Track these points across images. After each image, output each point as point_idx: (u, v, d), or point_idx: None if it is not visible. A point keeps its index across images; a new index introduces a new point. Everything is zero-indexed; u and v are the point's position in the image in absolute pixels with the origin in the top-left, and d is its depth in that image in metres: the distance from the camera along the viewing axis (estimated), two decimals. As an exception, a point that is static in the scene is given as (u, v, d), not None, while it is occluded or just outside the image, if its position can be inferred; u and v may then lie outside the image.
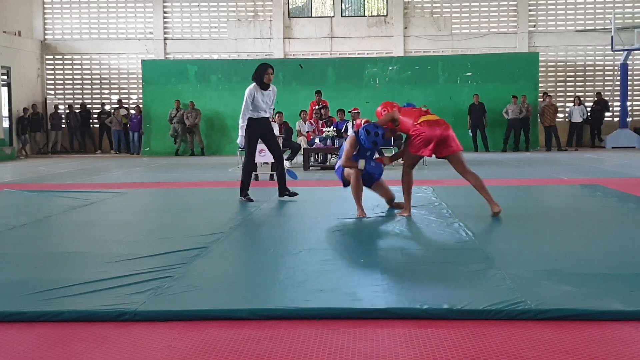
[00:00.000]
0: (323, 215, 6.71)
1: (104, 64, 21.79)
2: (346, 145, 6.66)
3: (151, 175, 12.69)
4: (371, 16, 21.27)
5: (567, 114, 20.47)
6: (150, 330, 3.24)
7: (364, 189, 6.68)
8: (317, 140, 14.12)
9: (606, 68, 20.96)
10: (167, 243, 5.22)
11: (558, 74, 21.04)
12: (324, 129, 14.49)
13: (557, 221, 6.32)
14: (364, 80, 19.73)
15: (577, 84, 21.07)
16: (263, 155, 10.00)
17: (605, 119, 20.46)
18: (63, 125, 21.25)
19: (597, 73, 21.07)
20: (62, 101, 21.79)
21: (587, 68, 21.05)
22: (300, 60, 20.29)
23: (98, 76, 21.84)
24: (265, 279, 4.11)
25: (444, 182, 9.79)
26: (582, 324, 3.23)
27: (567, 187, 9.41)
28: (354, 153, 6.61)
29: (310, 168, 13.66)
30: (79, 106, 21.57)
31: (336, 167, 6.92)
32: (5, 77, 19.92)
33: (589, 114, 20.16)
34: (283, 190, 8.08)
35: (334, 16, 21.20)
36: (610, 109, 20.45)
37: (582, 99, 20.33)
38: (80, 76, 21.91)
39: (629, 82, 20.27)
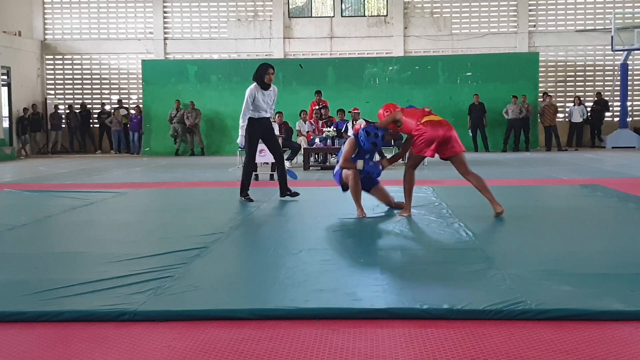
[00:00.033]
0: (323, 215, 6.71)
1: (104, 64, 21.80)
2: (345, 147, 6.67)
3: (151, 175, 12.69)
4: (371, 16, 21.28)
5: (567, 114, 20.47)
6: (150, 330, 3.24)
7: (363, 193, 6.68)
8: (317, 140, 14.12)
9: (606, 68, 20.96)
10: (167, 243, 5.22)
11: (558, 74, 21.04)
12: (324, 129, 14.49)
13: (557, 221, 6.32)
14: (364, 80, 19.73)
15: (577, 84, 21.07)
16: (263, 155, 10.00)
17: (605, 119, 20.46)
18: (63, 125, 21.25)
19: (597, 73, 21.08)
20: (62, 101, 21.80)
21: (587, 68, 21.05)
22: (300, 60, 20.29)
23: (98, 76, 21.84)
24: (265, 279, 4.11)
25: (444, 182, 9.79)
26: (582, 324, 3.23)
27: (567, 187, 9.41)
28: (353, 155, 6.61)
29: (310, 168, 13.66)
30: (79, 106, 21.57)
31: (334, 171, 6.91)
32: (5, 77, 19.92)
33: (589, 114, 20.16)
34: (284, 191, 8.08)
35: (334, 16, 21.20)
36: (610, 109, 20.45)
37: (582, 99, 20.33)
38: (80, 76, 21.92)
39: (629, 82, 20.27)
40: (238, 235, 5.81)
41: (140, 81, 20.55)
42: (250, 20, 21.30)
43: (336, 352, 2.93)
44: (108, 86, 21.91)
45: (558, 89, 21.02)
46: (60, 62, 21.88)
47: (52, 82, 21.98)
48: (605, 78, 20.98)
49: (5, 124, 19.75)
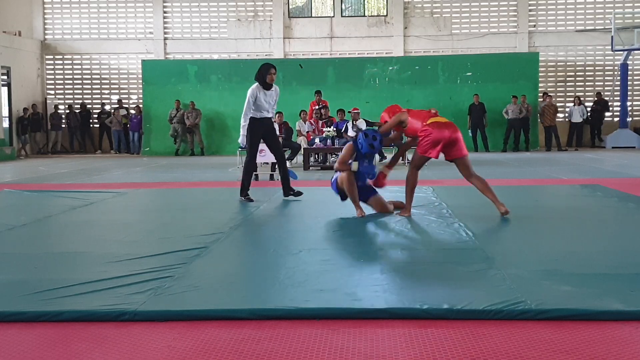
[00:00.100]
0: (323, 215, 6.71)
1: (104, 64, 21.80)
2: (343, 151, 6.71)
3: (151, 175, 12.69)
4: (371, 16, 21.28)
5: (567, 114, 20.48)
6: (150, 330, 3.24)
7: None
8: (317, 140, 14.13)
9: (606, 68, 20.96)
10: (167, 243, 5.22)
11: (558, 74, 21.04)
12: (324, 129, 14.49)
13: (557, 221, 6.32)
14: (364, 80, 19.73)
15: (577, 84, 21.07)
16: (263, 155, 9.99)
17: (605, 119, 20.46)
18: (63, 125, 21.26)
19: (597, 73, 21.08)
20: (62, 101, 21.80)
21: (587, 68, 21.05)
22: (300, 60, 20.30)
23: (98, 76, 21.84)
24: (265, 279, 4.11)
25: (444, 182, 9.78)
26: (582, 324, 3.23)
27: (567, 187, 9.41)
28: (350, 160, 6.63)
29: (310, 168, 13.66)
30: (79, 106, 21.58)
31: (332, 180, 6.91)
32: (5, 77, 19.93)
33: (589, 114, 20.16)
34: (288, 190, 8.10)
35: (334, 16, 21.20)
36: (610, 109, 20.46)
37: (582, 99, 20.33)
38: (80, 76, 21.92)
39: (629, 82, 20.27)
40: (238, 235, 5.81)
41: (140, 81, 20.55)
42: (250, 20, 21.30)
43: (336, 352, 2.93)
44: (108, 86, 21.92)
45: (558, 89, 21.02)
46: (60, 62, 21.88)
47: (52, 82, 21.98)
48: (605, 78, 20.98)
49: (5, 124, 19.75)
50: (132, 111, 20.78)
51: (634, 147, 19.27)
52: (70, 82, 21.99)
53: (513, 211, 6.31)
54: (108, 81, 21.87)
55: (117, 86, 21.86)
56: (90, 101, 21.87)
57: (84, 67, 21.84)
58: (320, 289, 3.81)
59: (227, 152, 18.91)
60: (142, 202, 8.67)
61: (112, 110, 21.19)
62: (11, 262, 4.74)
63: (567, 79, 21.09)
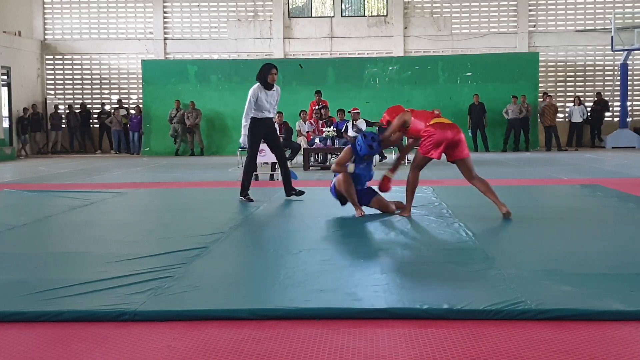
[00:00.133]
0: (323, 215, 6.71)
1: (104, 64, 21.80)
2: (342, 154, 6.73)
3: (151, 175, 12.70)
4: (371, 16, 21.28)
5: (567, 114, 20.48)
6: (150, 330, 3.24)
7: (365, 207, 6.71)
8: (317, 140, 14.13)
9: (606, 68, 20.96)
10: (167, 243, 5.22)
11: (558, 74, 21.04)
12: (324, 129, 14.49)
13: (557, 221, 6.32)
14: (364, 80, 19.73)
15: (577, 84, 21.08)
16: (263, 155, 10.00)
17: (605, 119, 20.46)
18: (63, 125, 21.26)
19: (597, 73, 21.08)
20: (62, 101, 21.80)
21: (587, 68, 21.06)
22: (300, 60, 20.30)
23: (98, 76, 21.84)
24: (265, 279, 4.11)
25: (444, 182, 9.79)
26: (582, 324, 3.23)
27: (567, 187, 9.41)
28: (348, 163, 6.64)
29: (310, 168, 13.66)
30: (79, 106, 21.58)
31: (331, 185, 6.92)
32: (5, 77, 19.93)
33: (589, 114, 20.16)
34: (289, 190, 8.11)
35: (334, 16, 21.20)
36: (610, 109, 20.46)
37: (582, 99, 20.33)
38: (80, 76, 21.92)
39: (629, 82, 20.27)
40: (238, 235, 5.81)
41: (140, 81, 20.55)
42: (250, 20, 21.30)
43: (336, 352, 2.93)
44: (108, 86, 21.92)
45: (558, 89, 21.02)
46: (60, 62, 21.88)
47: (52, 82, 21.98)
48: (605, 78, 20.98)
49: (5, 124, 19.75)
50: (132, 111, 20.78)
51: (634, 147, 19.27)
52: (70, 82, 21.99)
53: (513, 211, 6.31)
54: (108, 81, 21.88)
55: (117, 86, 21.86)
56: (90, 101, 21.87)
57: (84, 67, 21.84)
58: (320, 289, 3.81)
59: (227, 152, 18.91)
60: (142, 202, 8.67)
61: (112, 110, 21.19)
62: (11, 262, 4.74)
63: (567, 79, 21.09)
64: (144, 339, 3.11)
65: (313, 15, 21.45)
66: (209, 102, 19.80)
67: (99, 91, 21.93)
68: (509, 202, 6.55)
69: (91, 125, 21.61)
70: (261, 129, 7.96)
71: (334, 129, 14.09)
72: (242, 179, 8.10)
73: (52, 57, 21.81)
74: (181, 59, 20.96)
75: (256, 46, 21.24)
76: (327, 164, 14.20)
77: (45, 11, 21.76)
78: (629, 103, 20.42)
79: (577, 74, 21.07)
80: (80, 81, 21.93)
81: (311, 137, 14.74)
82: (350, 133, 13.99)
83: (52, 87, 21.99)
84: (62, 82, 21.99)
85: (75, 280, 4.01)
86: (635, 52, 20.00)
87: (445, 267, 4.41)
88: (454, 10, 21.09)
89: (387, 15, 21.10)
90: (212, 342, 3.07)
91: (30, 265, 4.61)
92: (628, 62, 20.00)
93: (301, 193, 8.14)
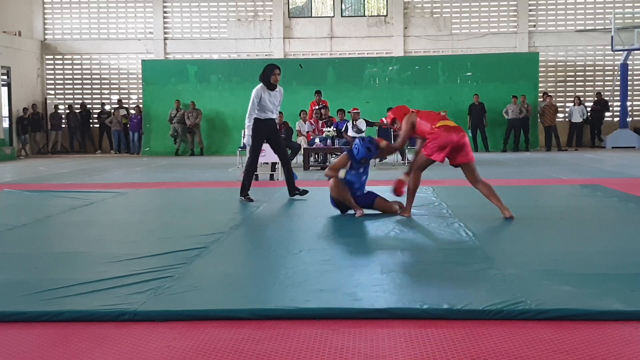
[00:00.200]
0: (323, 215, 6.71)
1: (104, 64, 21.80)
2: (337, 159, 6.76)
3: (151, 175, 12.69)
4: (371, 16, 21.28)
5: (567, 114, 20.48)
6: (150, 330, 3.24)
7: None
8: (317, 140, 14.13)
9: (606, 68, 20.96)
10: (167, 243, 5.22)
11: (558, 74, 21.04)
12: (324, 129, 14.49)
13: (557, 221, 6.32)
14: (364, 80, 19.73)
15: (577, 84, 21.08)
16: (263, 155, 9.98)
17: (605, 119, 20.46)
18: (63, 125, 21.26)
19: (597, 73, 21.08)
20: (62, 101, 21.80)
21: (587, 68, 21.06)
22: (300, 60, 20.30)
23: (98, 76, 21.84)
24: (265, 279, 4.10)
25: (444, 182, 9.79)
26: (582, 324, 3.23)
27: (567, 187, 9.41)
28: (345, 169, 6.66)
29: (310, 168, 13.66)
30: (79, 106, 21.58)
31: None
32: (5, 77, 19.93)
33: (589, 114, 20.16)
34: (293, 190, 8.13)
35: (334, 16, 21.20)
36: (610, 109, 20.46)
37: (582, 99, 20.33)
38: (80, 76, 21.92)
39: (629, 82, 20.27)
40: (238, 235, 5.81)
41: (140, 81, 20.55)
42: (250, 20, 21.30)
43: (336, 352, 2.92)
44: (108, 86, 21.92)
45: (558, 89, 21.02)
46: (60, 62, 21.89)
47: (52, 82, 21.98)
48: (605, 78, 20.98)
49: (5, 124, 19.75)
50: (132, 111, 20.78)
51: (634, 147, 19.27)
52: (70, 82, 21.99)
53: (513, 211, 6.31)
54: (108, 81, 21.88)
55: (117, 86, 21.86)
56: (90, 101, 21.87)
57: (84, 67, 21.84)
58: (320, 289, 3.81)
59: (227, 152, 18.91)
60: (142, 202, 8.67)
61: (112, 110, 21.19)
62: (11, 262, 4.74)
63: (567, 79, 21.09)
64: (144, 339, 3.11)
65: (313, 15, 21.45)
66: (209, 102, 19.80)
67: (99, 91, 21.93)
68: (509, 202, 6.55)
69: (91, 125, 21.61)
70: (264, 130, 7.97)
71: (334, 129, 14.08)
72: (242, 179, 8.10)
73: (52, 57, 21.81)
74: (181, 59, 20.96)
75: (256, 46, 21.24)
76: (327, 164, 14.20)
77: (45, 11, 21.76)
78: (629, 103, 20.42)
79: (577, 74, 21.08)
80: (80, 81, 21.93)
81: (311, 137, 14.74)
82: (350, 133, 13.99)
83: (52, 87, 21.99)
84: (62, 82, 21.99)
85: (75, 280, 4.01)
86: (635, 52, 20.00)
87: (445, 267, 4.41)
88: (454, 10, 21.09)
89: (387, 15, 21.10)
90: (212, 342, 3.07)
91: (30, 265, 4.61)
92: (628, 62, 20.00)
93: (305, 192, 8.16)
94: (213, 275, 4.21)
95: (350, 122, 14.27)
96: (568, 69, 21.04)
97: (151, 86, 20.03)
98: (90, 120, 21.58)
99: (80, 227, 6.28)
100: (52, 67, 21.91)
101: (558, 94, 20.89)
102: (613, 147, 19.39)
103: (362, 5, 21.65)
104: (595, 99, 20.37)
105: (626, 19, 20.32)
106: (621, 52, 19.74)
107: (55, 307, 3.48)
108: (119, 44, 21.63)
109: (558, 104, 20.43)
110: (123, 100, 21.47)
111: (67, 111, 21.29)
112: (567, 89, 21.08)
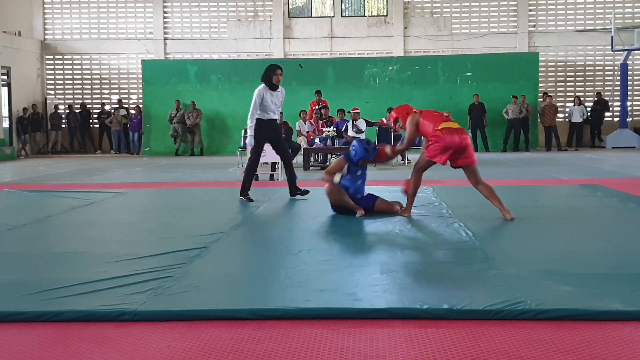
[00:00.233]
0: (323, 215, 6.71)
1: (104, 64, 21.80)
2: (334, 163, 6.80)
3: (151, 175, 12.69)
4: (371, 16, 21.28)
5: (567, 114, 20.48)
6: (150, 330, 3.24)
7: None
8: (317, 140, 14.13)
9: (606, 68, 20.96)
10: (167, 243, 5.22)
11: (558, 74, 21.04)
12: (324, 129, 14.49)
13: (557, 221, 6.31)
14: (364, 80, 19.73)
15: (577, 84, 21.07)
16: (263, 156, 9.97)
17: (605, 119, 20.46)
18: (63, 125, 21.26)
19: (597, 73, 21.08)
20: (62, 101, 21.80)
21: (587, 68, 21.06)
22: (300, 60, 20.29)
23: (98, 76, 21.84)
24: (265, 279, 4.10)
25: (444, 182, 9.79)
26: (582, 324, 3.23)
27: (567, 187, 9.41)
28: (341, 174, 6.67)
29: (310, 168, 13.66)
30: (79, 106, 21.58)
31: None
32: (5, 77, 19.93)
33: (589, 114, 20.16)
34: (294, 190, 8.13)
35: (334, 16, 21.20)
36: (610, 109, 20.46)
37: (582, 99, 20.33)
38: (80, 76, 21.92)
39: (629, 82, 20.27)
40: (238, 235, 5.81)
41: (140, 81, 20.55)
42: (250, 20, 21.30)
43: (336, 352, 2.93)
44: (108, 86, 21.92)
45: (558, 89, 21.02)
46: (60, 62, 21.88)
47: (52, 82, 21.98)
48: (605, 78, 20.98)
49: (5, 124, 19.75)
50: (132, 111, 20.78)
51: (634, 147, 19.27)
52: (70, 82, 21.99)
53: (513, 211, 6.31)
54: (108, 81, 21.87)
55: (117, 86, 21.86)
56: (90, 101, 21.87)
57: (84, 67, 21.84)
58: (320, 289, 3.81)
59: (227, 152, 18.91)
60: (142, 202, 8.67)
61: (112, 110, 21.19)
62: (11, 262, 4.74)
63: (567, 79, 21.09)
64: (144, 339, 3.11)
65: (313, 15, 21.45)
66: (209, 102, 19.80)
67: (99, 91, 21.93)
68: (509, 202, 6.55)
69: (91, 125, 21.61)
70: (266, 131, 7.97)
71: (334, 129, 14.09)
72: (243, 178, 8.10)
73: (52, 57, 21.81)
74: (181, 59, 20.96)
75: (256, 46, 21.24)
76: (327, 164, 14.20)
77: (45, 11, 21.76)
78: (629, 103, 20.42)
79: (577, 74, 21.07)
80: (80, 81, 21.93)
81: (311, 137, 14.74)
82: (350, 133, 13.99)
83: (52, 87, 21.99)
84: (62, 82, 21.99)
85: (75, 280, 4.01)
86: (635, 52, 20.00)
87: (445, 267, 4.41)
88: (454, 10, 21.09)
89: (387, 15, 21.10)
90: (212, 342, 3.07)
91: (30, 265, 4.61)
92: (628, 62, 20.00)
93: (306, 192, 8.17)
94: (213, 275, 4.21)
95: (350, 122, 14.27)
96: (568, 69, 21.04)
97: (151, 86, 20.03)
98: (90, 120, 21.58)
99: (80, 227, 6.28)
100: (52, 67, 21.91)
101: (558, 94, 20.89)
102: (613, 147, 19.39)
103: (362, 5, 21.65)
104: (595, 99, 20.37)
105: (626, 19, 20.32)
106: (621, 52, 19.74)
107: (55, 307, 3.48)
108: (119, 44, 21.63)
109: (558, 104, 20.43)
110: (123, 100, 21.47)
111: (67, 111, 21.29)
112: (567, 89, 21.08)
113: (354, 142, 6.73)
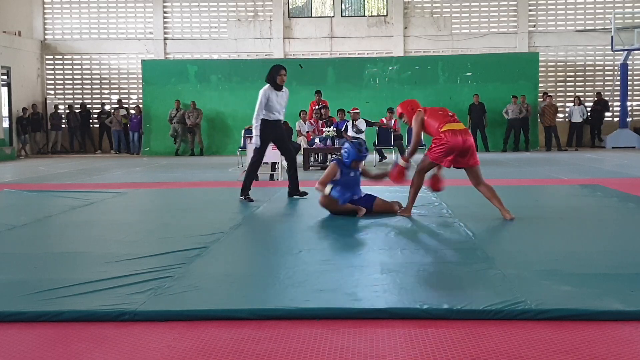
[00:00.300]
0: (323, 215, 6.71)
1: (104, 64, 21.80)
2: (326, 170, 6.81)
3: (151, 175, 12.69)
4: (371, 16, 21.28)
5: (567, 114, 20.48)
6: (150, 330, 3.24)
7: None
8: (317, 140, 14.12)
9: (606, 68, 20.96)
10: (167, 243, 5.22)
11: (558, 74, 21.04)
12: (324, 129, 14.49)
13: (557, 221, 6.31)
14: (364, 80, 19.73)
15: (577, 84, 21.08)
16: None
17: (605, 119, 20.47)
18: (63, 125, 21.26)
19: (597, 73, 21.08)
20: (62, 101, 21.80)
21: (587, 68, 21.06)
22: (300, 60, 20.29)
23: (98, 76, 21.84)
24: (265, 279, 4.10)
25: (443, 182, 9.77)
26: (582, 324, 3.23)
27: (567, 187, 9.41)
28: (336, 178, 6.68)
29: (310, 168, 13.66)
30: (79, 106, 21.58)
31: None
32: (5, 77, 19.93)
33: (589, 114, 20.16)
34: (294, 191, 8.12)
35: (334, 16, 21.20)
36: (610, 109, 20.46)
37: (582, 99, 20.33)
38: (80, 76, 21.92)
39: (629, 82, 20.28)
40: (238, 235, 5.81)
41: (140, 81, 20.55)
42: (250, 20, 21.30)
43: (336, 352, 2.92)
44: (108, 86, 21.92)
45: (558, 89, 21.02)
46: (60, 62, 21.88)
47: (52, 82, 21.98)
48: (605, 78, 20.98)
49: (5, 124, 19.76)
50: (132, 111, 20.78)
51: (634, 147, 19.27)
52: (70, 82, 21.99)
53: (513, 211, 6.30)
54: (108, 81, 21.88)
55: (117, 86, 21.86)
56: (90, 101, 21.87)
57: (84, 67, 21.84)
58: (320, 289, 3.81)
59: (227, 152, 18.91)
60: (142, 202, 8.66)
61: (112, 110, 21.19)
62: (11, 262, 4.74)
63: (567, 79, 21.10)
64: (144, 339, 3.11)
65: (313, 15, 21.45)
66: (209, 102, 19.80)
67: (99, 91, 21.93)
68: (509, 202, 6.54)
69: (91, 125, 21.61)
70: (271, 132, 7.96)
71: (334, 129, 14.08)
72: (244, 178, 8.09)
73: (52, 57, 21.81)
74: (181, 59, 20.96)
75: (256, 46, 21.24)
76: (327, 164, 14.20)
77: (45, 11, 21.76)
78: (629, 103, 20.42)
79: (577, 74, 21.07)
80: (80, 81, 21.93)
81: (311, 137, 14.74)
82: (350, 133, 13.99)
83: (52, 87, 21.99)
84: (62, 82, 21.99)
85: (75, 280, 4.01)
86: (635, 52, 20.00)
87: (445, 267, 4.41)
88: (454, 10, 21.09)
89: (387, 15, 21.10)
90: (212, 342, 3.07)
91: (30, 265, 4.60)
92: (628, 62, 20.00)
93: (304, 194, 8.15)
94: (213, 275, 4.21)
95: (350, 122, 14.27)
96: (568, 69, 21.04)
97: (151, 86, 20.03)
98: (90, 120, 21.58)
99: (80, 227, 6.28)
100: (52, 67, 21.91)
101: (558, 94, 20.89)
102: (613, 147, 19.39)
103: (362, 5, 21.65)
104: (595, 99, 20.37)
105: (626, 19, 20.32)
106: (621, 52, 19.74)
107: (55, 307, 3.48)
108: (119, 44, 21.63)
109: (558, 104, 20.43)
110: (123, 100, 21.47)
111: (67, 111, 21.29)
112: (567, 89, 21.08)
113: (345, 145, 6.76)
